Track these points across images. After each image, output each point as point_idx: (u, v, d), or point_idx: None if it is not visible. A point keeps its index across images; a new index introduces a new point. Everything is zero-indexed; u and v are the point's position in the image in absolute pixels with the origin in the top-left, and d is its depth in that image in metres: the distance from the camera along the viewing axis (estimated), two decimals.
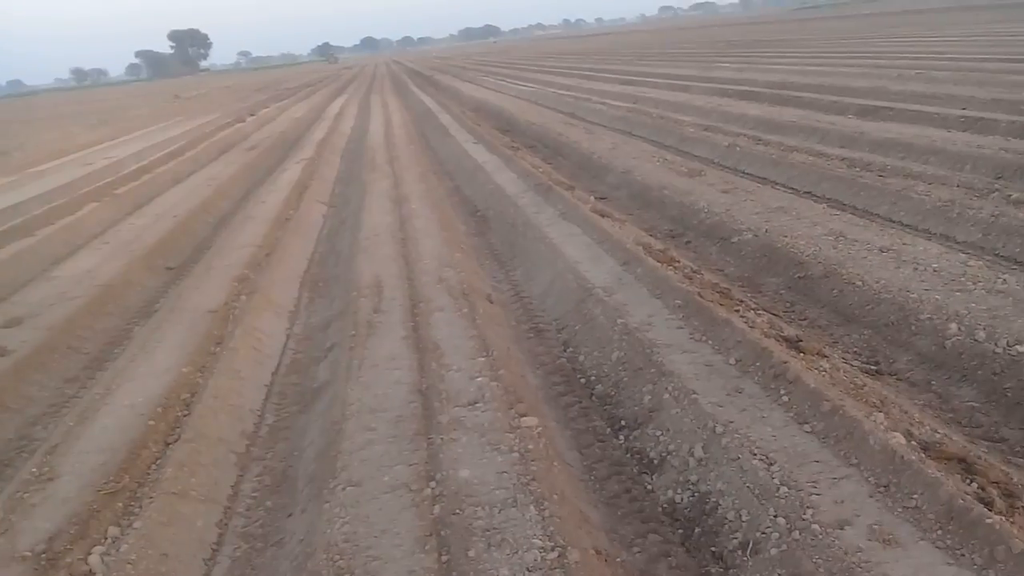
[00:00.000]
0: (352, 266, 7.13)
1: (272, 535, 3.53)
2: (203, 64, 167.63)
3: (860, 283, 5.31)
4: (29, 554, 3.21)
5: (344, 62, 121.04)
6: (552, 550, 2.90)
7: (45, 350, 5.85)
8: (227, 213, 11.13)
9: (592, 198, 8.70)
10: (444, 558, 2.92)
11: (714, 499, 3.30)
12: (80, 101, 63.44)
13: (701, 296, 5.09)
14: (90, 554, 3.21)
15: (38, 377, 5.51)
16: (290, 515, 3.63)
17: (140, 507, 3.53)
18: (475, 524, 3.09)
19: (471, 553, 2.91)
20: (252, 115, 27.14)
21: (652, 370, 4.36)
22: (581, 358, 5.01)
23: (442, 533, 3.07)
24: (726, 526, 3.14)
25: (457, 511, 3.19)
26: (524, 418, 3.92)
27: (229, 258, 7.80)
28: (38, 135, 27.61)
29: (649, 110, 16.25)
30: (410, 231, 8.10)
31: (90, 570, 3.13)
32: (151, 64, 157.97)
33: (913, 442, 3.27)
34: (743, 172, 9.75)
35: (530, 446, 3.64)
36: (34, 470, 3.92)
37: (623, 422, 4.19)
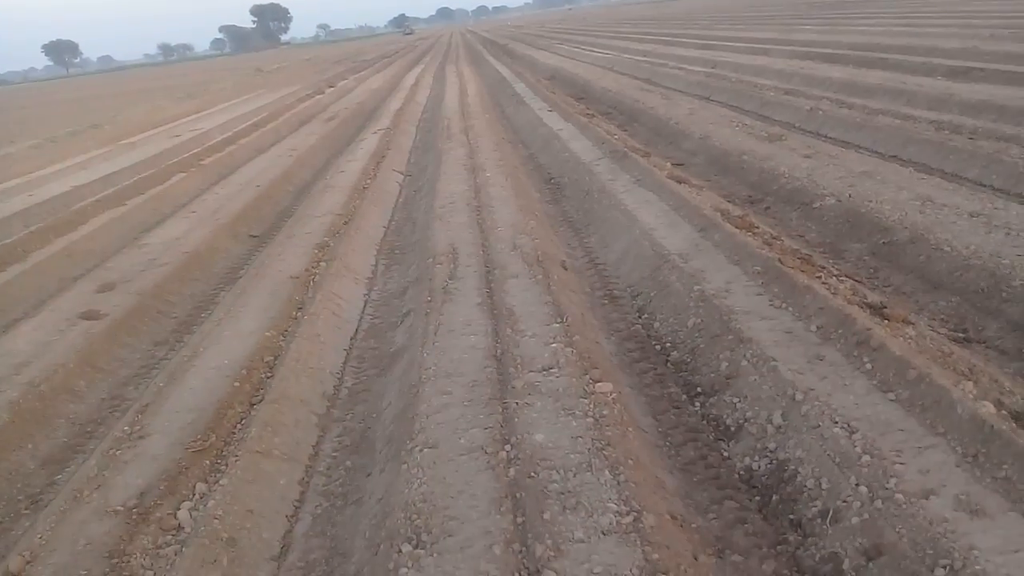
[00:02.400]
0: (428, 234, 7.19)
1: (352, 494, 3.62)
2: (283, 38, 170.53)
3: (948, 248, 5.10)
4: (121, 508, 3.37)
5: (419, 33, 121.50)
6: (627, 514, 2.89)
7: (136, 314, 6.09)
8: (307, 182, 11.35)
9: (668, 164, 8.56)
10: (519, 520, 2.95)
11: (793, 467, 3.24)
12: (167, 76, 65.33)
13: (781, 262, 4.97)
14: (179, 509, 3.35)
15: (130, 340, 5.75)
16: (369, 475, 3.72)
17: (226, 465, 3.66)
18: (550, 487, 3.10)
19: (546, 515, 2.93)
20: (331, 87, 27.50)
21: (730, 337, 4.29)
22: (656, 324, 4.96)
23: (517, 495, 3.10)
24: (805, 494, 3.08)
25: (532, 474, 3.21)
26: (599, 384, 3.91)
27: (310, 226, 7.96)
28: (128, 108, 28.55)
29: (728, 75, 15.86)
30: (485, 199, 8.11)
31: (179, 524, 3.27)
32: (234, 39, 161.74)
33: (1004, 411, 3.14)
34: (826, 136, 9.45)
35: (605, 411, 3.63)
36: (126, 428, 4.10)
37: (699, 389, 4.14)
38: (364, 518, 3.36)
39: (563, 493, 3.07)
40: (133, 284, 6.68)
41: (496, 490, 3.15)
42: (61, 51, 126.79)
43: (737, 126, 10.30)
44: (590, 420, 3.57)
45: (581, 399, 3.77)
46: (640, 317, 5.19)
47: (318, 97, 24.06)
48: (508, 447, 3.43)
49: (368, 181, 10.15)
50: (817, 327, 4.17)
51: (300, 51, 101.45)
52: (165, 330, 6.02)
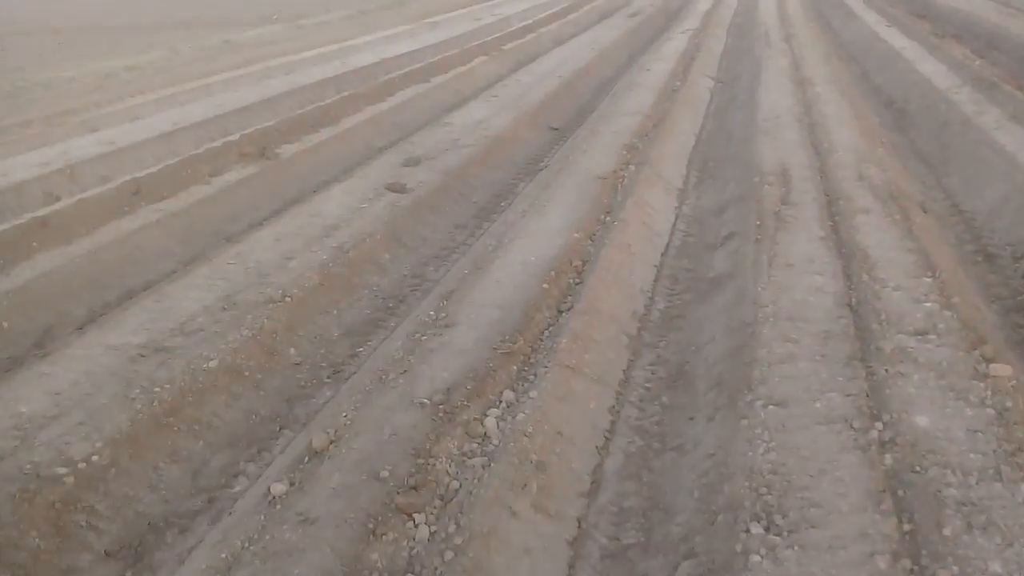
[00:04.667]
0: (750, 148, 6.38)
1: (670, 437, 3.13)
2: None
3: None
4: (427, 402, 3.10)
5: None
6: None
7: (439, 193, 5.92)
8: (610, 78, 10.76)
9: None
10: (907, 527, 2.30)
11: None
12: None
13: None
14: (486, 416, 3.02)
15: (432, 219, 5.58)
16: (692, 419, 3.19)
17: (535, 375, 3.29)
18: (945, 492, 2.41)
19: (946, 531, 2.25)
20: None
21: None
22: None
23: (900, 493, 2.43)
24: None
25: (917, 468, 2.52)
26: (993, 364, 3.07)
27: (616, 124, 7.41)
28: None
29: None
30: (817, 117, 7.11)
31: (486, 433, 2.94)
32: None
33: None
34: None
35: (1008, 403, 2.82)
36: (432, 313, 3.85)
37: None
38: (689, 471, 2.85)
39: (965, 504, 2.36)
40: (437, 162, 6.52)
41: (870, 479, 2.50)
42: None
43: None
44: (990, 411, 2.78)
45: (973, 380, 2.97)
46: None
47: None
48: (880, 425, 2.75)
49: (677, 83, 9.38)
50: None
51: None
52: (466, 214, 5.81)
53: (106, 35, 19.15)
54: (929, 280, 3.82)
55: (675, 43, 12.44)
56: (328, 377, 3.72)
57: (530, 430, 2.90)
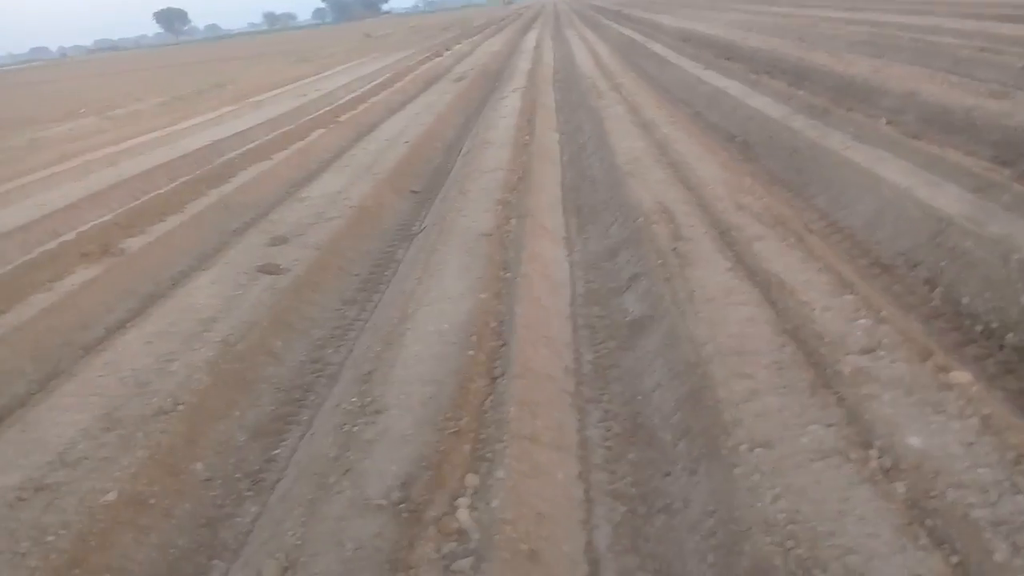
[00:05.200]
0: (622, 191, 6.38)
1: (652, 498, 2.88)
2: (384, 7, 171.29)
3: None
4: (385, 503, 2.70)
5: (522, 2, 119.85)
6: None
7: (317, 269, 5.51)
8: (454, 139, 10.73)
9: (884, 120, 7.52)
10: (954, 559, 2.15)
11: None
12: (275, 42, 66.00)
13: None
14: (456, 508, 2.66)
15: (316, 298, 5.16)
16: (668, 475, 2.96)
17: (493, 452, 2.96)
18: (974, 515, 2.28)
19: (996, 557, 2.12)
20: (448, 50, 26.90)
21: None
22: (966, 300, 4.05)
23: (929, 523, 2.29)
24: None
25: (934, 493, 2.39)
26: (952, 373, 3.05)
27: (480, 182, 7.26)
28: (245, 71, 28.59)
29: (896, 33, 14.45)
30: (675, 156, 7.25)
31: (461, 527, 2.58)
32: (335, 8, 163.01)
33: None
34: None
35: (985, 410, 2.78)
36: (355, 400, 3.45)
37: None
38: (689, 533, 2.60)
39: (1000, 524, 2.24)
40: (306, 237, 6.11)
41: (893, 513, 2.34)
42: (171, 19, 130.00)
43: (943, 83, 9.11)
44: (974, 421, 2.72)
45: (943, 392, 2.92)
46: (933, 290, 4.28)
47: (437, 60, 23.48)
48: (876, 453, 2.62)
49: (526, 138, 9.37)
50: None
51: (402, 20, 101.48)
52: (351, 288, 5.42)
53: None
54: (851, 297, 3.83)
55: (509, 100, 12.59)
56: (248, 490, 3.23)
57: (510, 516, 2.57)
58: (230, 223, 7.09)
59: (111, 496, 2.91)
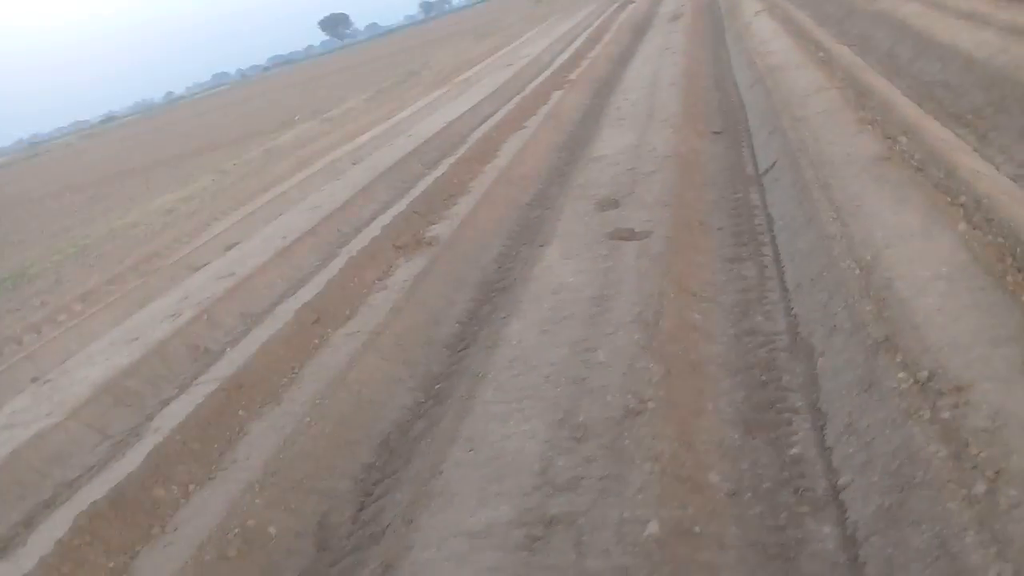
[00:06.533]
0: None
1: None
2: None
3: None
4: None
5: None
6: None
7: (680, 227, 4.66)
8: (719, 75, 9.68)
9: None
10: None
11: None
12: (439, 27, 66.62)
13: None
14: None
15: (699, 259, 4.30)
16: None
17: None
18: None
19: None
20: (631, 2, 25.64)
21: None
22: None
23: None
24: None
25: None
26: None
27: (812, 105, 6.17)
28: (431, 56, 28.43)
29: None
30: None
31: None
32: None
33: None
34: None
35: None
36: None
37: None
38: None
39: None
40: (637, 196, 5.28)
41: None
42: (336, 24, 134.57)
43: None
44: None
45: None
46: None
47: (631, 6, 22.30)
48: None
49: (821, 54, 8.16)
50: None
51: None
52: (727, 246, 4.53)
53: (129, 180, 18.28)
54: None
55: (762, 21, 11.29)
56: None
57: None
58: (521, 197, 6.42)
59: None
